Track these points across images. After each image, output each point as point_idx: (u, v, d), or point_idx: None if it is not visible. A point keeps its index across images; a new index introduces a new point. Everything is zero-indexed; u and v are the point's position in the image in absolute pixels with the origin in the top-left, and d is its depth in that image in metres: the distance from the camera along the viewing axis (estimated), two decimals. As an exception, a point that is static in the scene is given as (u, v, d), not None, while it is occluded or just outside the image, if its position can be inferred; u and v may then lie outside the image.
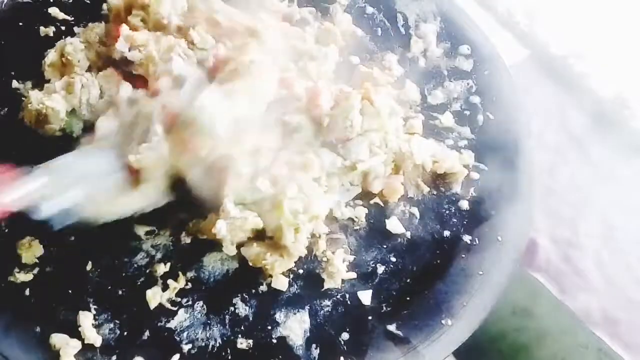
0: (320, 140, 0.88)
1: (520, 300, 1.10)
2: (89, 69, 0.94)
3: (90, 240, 0.84)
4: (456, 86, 1.04)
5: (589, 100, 1.30)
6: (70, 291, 0.81)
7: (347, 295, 0.84)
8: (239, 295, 0.83)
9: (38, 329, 0.78)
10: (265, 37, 0.90)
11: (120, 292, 0.81)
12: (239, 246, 0.83)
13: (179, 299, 0.82)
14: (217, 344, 0.79)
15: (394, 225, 0.89)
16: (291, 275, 0.84)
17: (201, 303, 0.82)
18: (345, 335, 0.81)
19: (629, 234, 1.20)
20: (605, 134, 1.28)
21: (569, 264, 1.19)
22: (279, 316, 0.81)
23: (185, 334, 0.79)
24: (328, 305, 0.83)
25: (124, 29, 0.92)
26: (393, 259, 0.87)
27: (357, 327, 0.81)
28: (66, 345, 0.76)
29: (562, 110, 1.31)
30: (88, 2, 1.06)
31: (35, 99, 0.88)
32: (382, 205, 0.92)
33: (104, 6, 1.02)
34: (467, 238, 0.90)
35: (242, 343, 0.79)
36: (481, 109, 1.01)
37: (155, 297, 0.81)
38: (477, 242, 0.89)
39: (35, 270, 0.82)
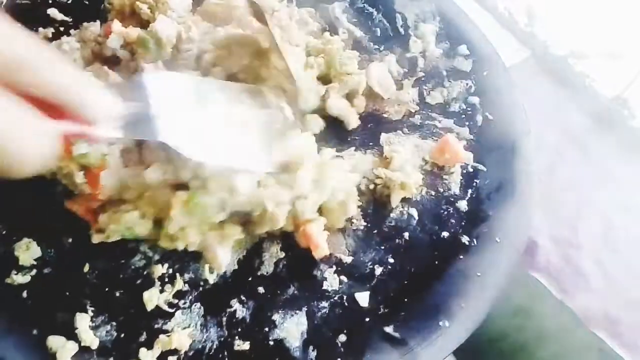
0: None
1: (521, 301, 1.09)
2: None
3: (88, 242, 0.84)
4: (455, 86, 1.03)
5: (589, 101, 1.30)
6: (67, 293, 0.81)
7: (345, 297, 0.84)
8: (236, 297, 0.83)
9: (35, 331, 0.78)
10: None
11: (117, 294, 0.81)
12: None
13: (176, 301, 0.82)
14: (214, 346, 0.79)
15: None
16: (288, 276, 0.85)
17: (198, 305, 0.82)
18: (342, 337, 0.81)
19: (629, 233, 1.19)
20: (605, 133, 1.28)
21: (569, 264, 1.19)
22: (276, 318, 0.81)
23: (182, 335, 0.79)
24: (325, 307, 0.83)
25: (116, 25, 0.92)
26: (391, 260, 0.87)
27: (354, 328, 0.81)
28: (63, 348, 0.76)
29: (562, 110, 1.31)
30: (87, 2, 1.06)
31: None
32: (381, 206, 0.92)
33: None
34: (465, 239, 0.89)
35: (240, 345, 0.79)
36: (480, 110, 1.01)
37: (152, 298, 0.81)
38: (476, 243, 0.89)
39: (33, 272, 0.82)
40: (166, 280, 0.83)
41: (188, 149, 0.72)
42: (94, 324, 0.79)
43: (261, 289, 0.83)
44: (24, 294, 0.80)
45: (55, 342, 0.76)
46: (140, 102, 0.69)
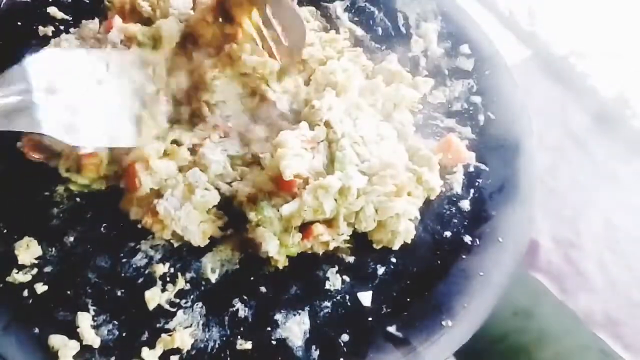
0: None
1: (522, 301, 1.09)
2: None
3: (89, 241, 0.84)
4: (457, 86, 1.03)
5: (590, 100, 1.30)
6: (68, 292, 0.80)
7: (347, 297, 0.83)
8: (239, 296, 0.82)
9: (36, 330, 0.77)
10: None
11: (119, 293, 0.81)
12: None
13: (177, 300, 0.81)
14: (217, 345, 0.79)
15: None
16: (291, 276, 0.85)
17: (200, 304, 0.81)
18: (345, 337, 0.80)
19: (631, 234, 1.19)
20: (606, 133, 1.28)
21: (570, 264, 1.19)
22: (279, 317, 0.81)
23: (184, 335, 0.79)
24: (328, 307, 0.82)
25: (117, 20, 0.92)
26: (393, 260, 0.87)
27: (357, 328, 0.81)
28: (65, 346, 0.76)
29: (564, 110, 1.31)
30: (86, 1, 1.06)
31: None
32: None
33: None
34: (467, 239, 0.89)
35: (242, 344, 0.79)
36: (482, 109, 1.01)
37: (154, 298, 0.81)
38: (478, 242, 0.89)
39: (34, 271, 0.81)
40: (168, 279, 0.83)
41: (69, 136, 0.76)
42: (95, 323, 0.78)
43: (263, 289, 0.83)
44: (25, 293, 0.80)
45: (56, 341, 0.76)
46: (23, 88, 0.73)
